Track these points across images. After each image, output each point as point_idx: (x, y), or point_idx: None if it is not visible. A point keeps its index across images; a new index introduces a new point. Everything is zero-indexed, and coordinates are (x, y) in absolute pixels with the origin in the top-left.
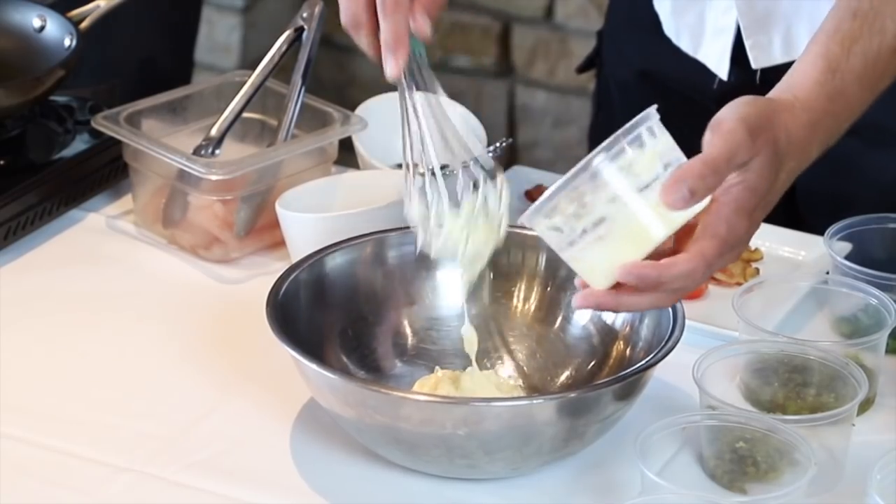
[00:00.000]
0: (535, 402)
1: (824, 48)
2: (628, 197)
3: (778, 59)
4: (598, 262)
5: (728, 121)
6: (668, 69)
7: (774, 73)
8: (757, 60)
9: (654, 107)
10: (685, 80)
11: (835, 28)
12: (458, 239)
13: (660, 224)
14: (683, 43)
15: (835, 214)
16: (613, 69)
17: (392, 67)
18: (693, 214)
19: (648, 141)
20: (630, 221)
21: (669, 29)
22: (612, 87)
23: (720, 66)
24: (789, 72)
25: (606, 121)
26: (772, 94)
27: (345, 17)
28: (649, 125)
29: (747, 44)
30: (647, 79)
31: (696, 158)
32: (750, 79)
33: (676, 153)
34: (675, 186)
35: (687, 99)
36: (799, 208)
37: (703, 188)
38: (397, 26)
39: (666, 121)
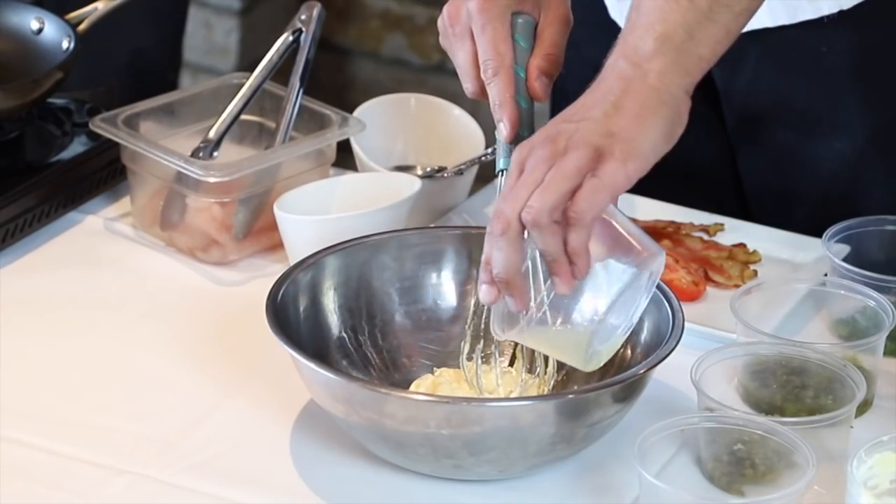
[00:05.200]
0: (523, 403)
1: None
2: None
3: None
4: None
5: None
6: None
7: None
8: None
9: None
10: None
11: None
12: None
13: None
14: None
15: (784, 210)
16: (572, 69)
17: (503, 131)
18: None
19: None
20: None
21: (614, 11)
22: (569, 90)
23: None
24: None
25: None
26: None
27: (468, 91)
28: None
29: None
30: None
31: None
32: None
33: None
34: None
35: None
36: (750, 206)
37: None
38: (501, 92)
39: None
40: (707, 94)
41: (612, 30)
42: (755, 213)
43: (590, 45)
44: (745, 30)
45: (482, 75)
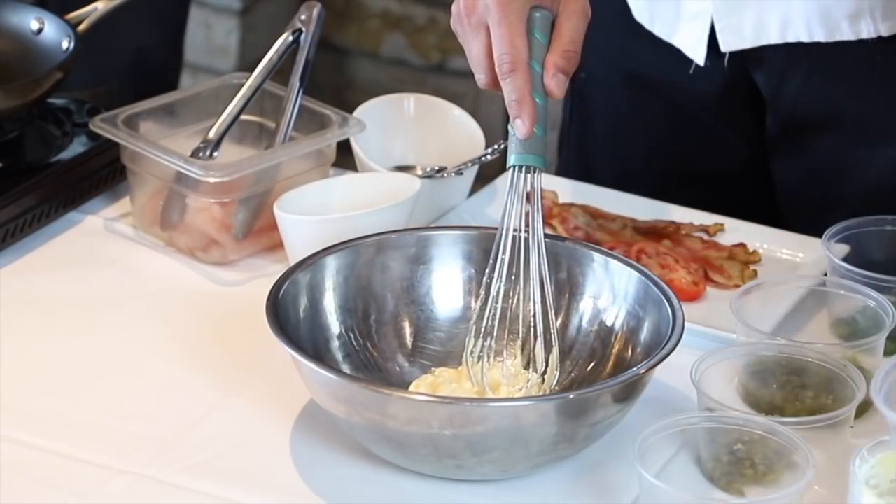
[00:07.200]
0: (525, 403)
1: None
2: None
3: (748, 43)
4: None
5: None
6: (649, 67)
7: (742, 58)
8: (727, 43)
9: None
10: (667, 80)
11: None
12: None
13: None
14: (657, 28)
15: (818, 219)
16: (595, 72)
17: (521, 128)
18: None
19: None
20: None
21: (641, 14)
22: (590, 93)
23: (696, 51)
24: None
25: (582, 127)
26: None
27: (480, 83)
28: None
29: (718, 26)
30: (631, 81)
31: None
32: (721, 65)
33: None
34: None
35: (670, 103)
36: (782, 214)
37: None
38: (519, 89)
39: (650, 126)
40: (749, 102)
41: (636, 33)
42: (787, 220)
43: (613, 48)
44: (791, 40)
45: (497, 70)
